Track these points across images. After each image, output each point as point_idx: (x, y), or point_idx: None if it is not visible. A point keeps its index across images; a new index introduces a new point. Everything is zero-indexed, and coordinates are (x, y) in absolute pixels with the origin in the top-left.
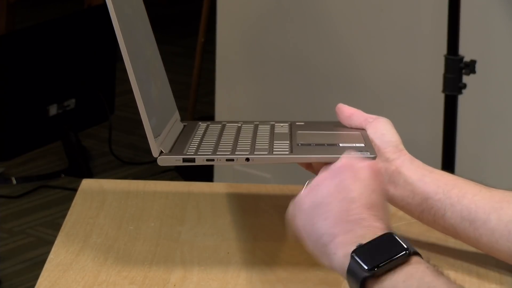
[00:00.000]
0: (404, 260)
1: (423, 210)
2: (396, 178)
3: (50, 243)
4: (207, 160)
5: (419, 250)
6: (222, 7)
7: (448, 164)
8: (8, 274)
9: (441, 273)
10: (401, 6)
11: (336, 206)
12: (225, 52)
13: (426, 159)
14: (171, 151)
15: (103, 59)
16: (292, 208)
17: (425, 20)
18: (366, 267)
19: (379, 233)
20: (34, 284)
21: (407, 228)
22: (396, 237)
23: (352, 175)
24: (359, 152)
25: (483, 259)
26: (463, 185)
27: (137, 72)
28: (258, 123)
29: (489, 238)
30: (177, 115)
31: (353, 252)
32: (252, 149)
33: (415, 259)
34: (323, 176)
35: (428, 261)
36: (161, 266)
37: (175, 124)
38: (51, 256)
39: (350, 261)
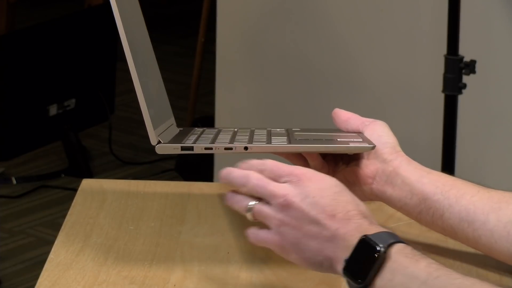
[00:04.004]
0: (384, 257)
1: (421, 211)
2: (393, 179)
3: (50, 243)
4: (205, 148)
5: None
6: (222, 7)
7: (448, 164)
8: (8, 274)
9: (420, 257)
10: (401, 6)
11: (307, 235)
12: (225, 52)
13: (426, 159)
14: (169, 142)
15: (103, 59)
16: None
17: (425, 20)
18: (357, 285)
19: (355, 240)
20: (34, 284)
21: (406, 228)
22: (369, 238)
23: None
24: (360, 141)
25: (483, 260)
26: (461, 185)
27: (138, 67)
28: (254, 129)
29: (488, 239)
30: (172, 120)
31: (343, 270)
32: (251, 140)
33: (394, 250)
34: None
35: (406, 243)
36: (161, 266)
37: (171, 127)
38: (51, 256)
39: (345, 278)
